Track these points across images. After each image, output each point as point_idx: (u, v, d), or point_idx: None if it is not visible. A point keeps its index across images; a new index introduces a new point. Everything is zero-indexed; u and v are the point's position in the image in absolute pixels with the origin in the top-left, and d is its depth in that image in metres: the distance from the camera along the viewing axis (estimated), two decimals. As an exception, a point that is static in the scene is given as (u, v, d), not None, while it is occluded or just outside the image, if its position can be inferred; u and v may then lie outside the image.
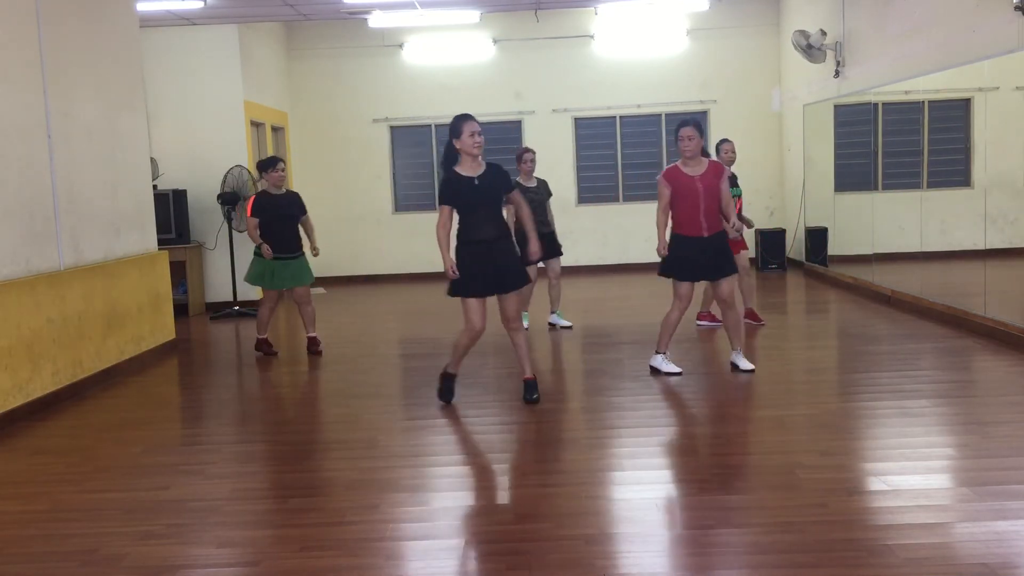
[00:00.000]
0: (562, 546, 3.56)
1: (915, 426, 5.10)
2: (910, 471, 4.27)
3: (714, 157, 8.05)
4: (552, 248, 8.35)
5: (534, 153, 8.41)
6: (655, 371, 6.48)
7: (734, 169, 8.21)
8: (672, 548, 3.56)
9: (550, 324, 8.62)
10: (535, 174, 8.45)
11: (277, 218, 7.52)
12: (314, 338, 7.89)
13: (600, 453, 4.89)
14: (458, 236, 5.69)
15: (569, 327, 8.55)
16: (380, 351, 8.25)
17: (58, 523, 4.10)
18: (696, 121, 6.32)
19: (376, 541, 3.74)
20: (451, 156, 5.66)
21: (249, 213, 7.56)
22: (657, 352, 6.53)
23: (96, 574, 3.51)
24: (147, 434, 5.61)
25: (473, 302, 5.62)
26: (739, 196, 8.06)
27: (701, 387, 6.29)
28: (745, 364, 6.46)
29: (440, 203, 5.64)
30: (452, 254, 5.63)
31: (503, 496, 4.25)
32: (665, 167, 6.47)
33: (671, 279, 6.41)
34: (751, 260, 12.74)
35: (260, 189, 7.82)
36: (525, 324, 8.46)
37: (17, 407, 5.90)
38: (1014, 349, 6.78)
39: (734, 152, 8.14)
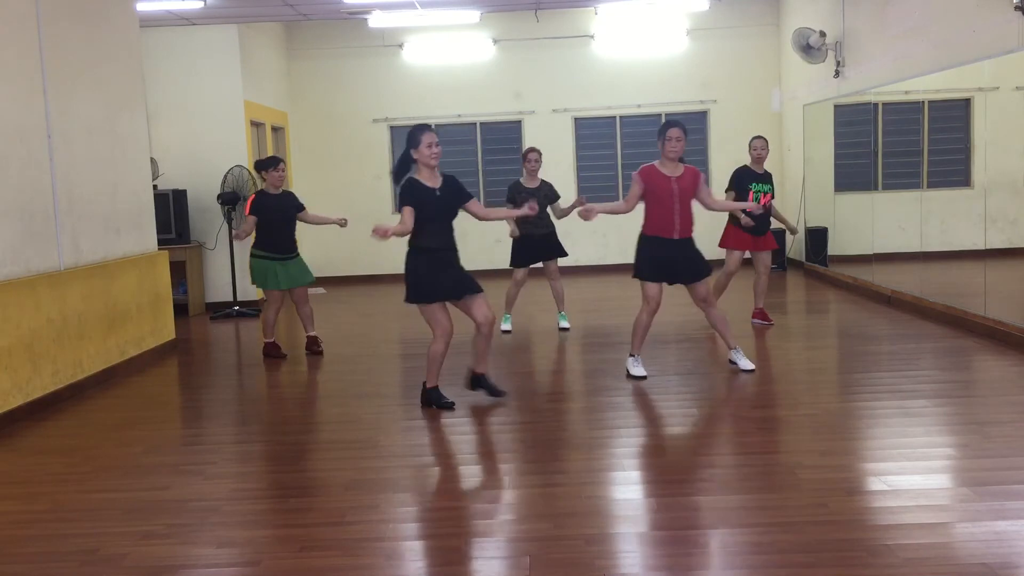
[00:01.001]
0: (562, 546, 3.56)
1: (915, 426, 5.10)
2: (910, 471, 4.27)
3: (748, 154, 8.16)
4: (550, 249, 8.34)
5: (539, 153, 8.30)
6: (628, 374, 6.45)
7: (767, 167, 8.23)
8: (672, 548, 3.56)
9: (558, 326, 8.58)
10: (540, 175, 8.35)
11: (276, 218, 7.53)
12: (314, 337, 7.89)
13: (600, 453, 4.89)
14: (412, 243, 5.66)
15: (567, 329, 8.51)
16: (380, 351, 8.24)
17: (58, 523, 4.10)
18: (683, 124, 6.32)
19: (376, 541, 3.74)
20: (405, 165, 5.66)
21: (248, 211, 7.57)
22: (630, 355, 6.48)
23: (96, 574, 3.51)
24: (147, 434, 5.61)
25: (437, 307, 5.63)
26: (766, 192, 8.02)
27: (701, 387, 6.29)
28: (746, 364, 6.46)
29: (404, 204, 5.56)
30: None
31: (503, 496, 4.25)
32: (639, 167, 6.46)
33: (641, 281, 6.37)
34: (748, 260, 12.80)
35: (259, 188, 7.82)
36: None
37: (17, 407, 5.90)
38: (1014, 349, 6.78)
39: (765, 149, 8.10)
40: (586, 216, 6.14)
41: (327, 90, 13.20)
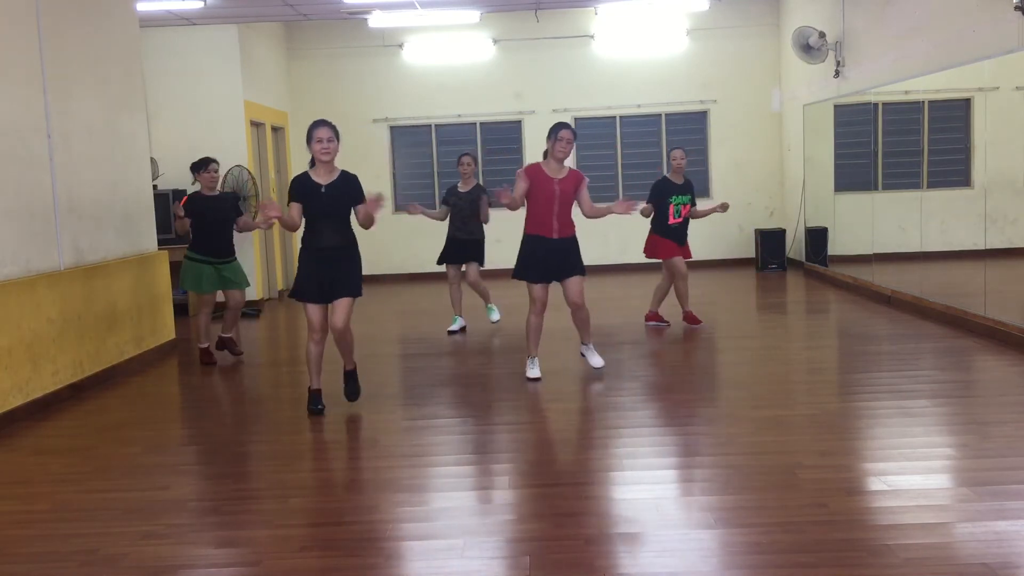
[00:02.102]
0: (562, 546, 3.56)
1: (915, 426, 5.10)
2: (910, 471, 4.27)
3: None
4: (472, 253, 8.46)
5: (470, 157, 8.50)
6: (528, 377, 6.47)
7: (689, 177, 8.26)
8: (672, 548, 3.56)
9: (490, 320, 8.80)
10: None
11: (208, 220, 7.43)
12: (229, 338, 7.79)
13: (600, 453, 4.89)
14: (302, 240, 5.71)
15: (496, 321, 8.70)
16: (380, 351, 8.24)
17: (58, 523, 4.10)
18: (574, 128, 6.38)
19: (376, 541, 3.74)
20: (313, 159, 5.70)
21: (182, 213, 7.44)
22: (528, 356, 6.52)
23: (96, 574, 3.51)
24: (147, 434, 5.61)
25: (310, 306, 5.66)
26: (685, 204, 8.03)
27: (700, 387, 6.29)
28: (596, 361, 6.52)
29: (289, 200, 5.64)
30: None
31: (503, 496, 4.25)
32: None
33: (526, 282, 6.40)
34: (748, 261, 12.79)
35: (194, 190, 7.77)
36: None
37: (17, 407, 5.90)
38: (1014, 349, 6.78)
39: (683, 159, 8.14)
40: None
41: (327, 90, 13.19)
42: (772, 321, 8.56)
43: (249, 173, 10.49)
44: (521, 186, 6.31)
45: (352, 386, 6.00)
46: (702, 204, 8.71)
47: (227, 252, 7.55)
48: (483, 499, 4.26)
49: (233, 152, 10.88)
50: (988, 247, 7.62)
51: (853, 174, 10.62)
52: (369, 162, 13.27)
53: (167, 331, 8.32)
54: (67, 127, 6.82)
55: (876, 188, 9.83)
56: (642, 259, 12.91)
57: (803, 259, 12.27)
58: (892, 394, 5.74)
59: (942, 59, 8.27)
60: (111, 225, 7.46)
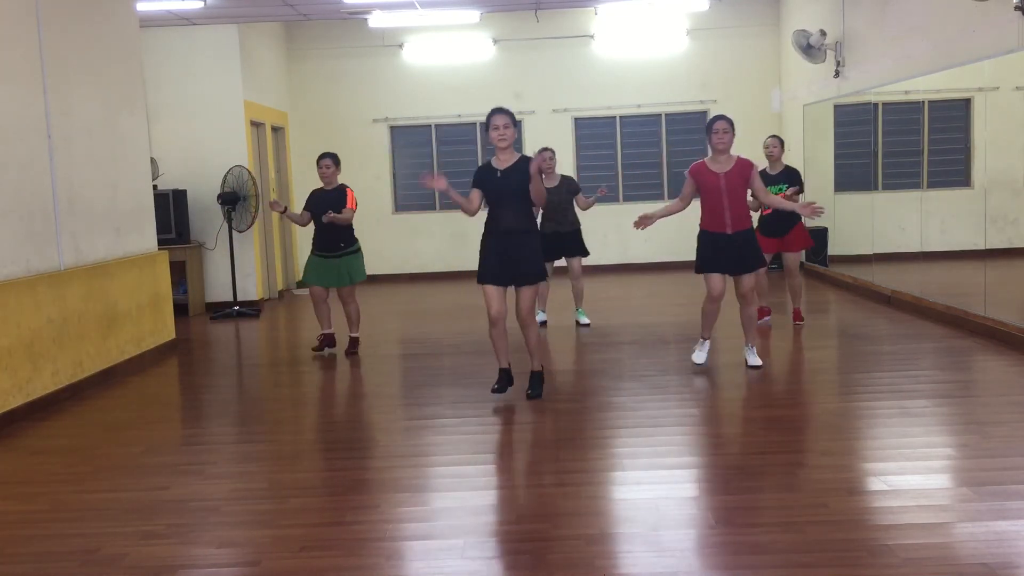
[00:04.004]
0: (562, 546, 3.56)
1: (915, 426, 5.10)
2: (910, 471, 4.27)
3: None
4: (571, 247, 8.54)
5: (552, 152, 8.47)
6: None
7: (787, 163, 8.17)
8: (672, 548, 3.56)
9: (576, 322, 8.79)
10: (559, 171, 8.65)
11: (316, 215, 7.56)
12: (353, 339, 7.83)
13: (600, 453, 4.89)
14: (485, 225, 5.82)
15: (587, 325, 8.67)
16: (380, 351, 8.24)
17: (58, 523, 4.10)
18: (729, 118, 6.30)
19: (376, 541, 3.74)
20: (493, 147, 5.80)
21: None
22: (702, 337, 6.64)
23: (96, 574, 3.51)
24: (147, 434, 5.61)
25: (490, 289, 5.74)
26: (778, 193, 7.97)
27: (701, 387, 6.29)
28: (753, 360, 6.52)
29: (472, 187, 5.81)
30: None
31: (503, 496, 4.25)
32: (690, 164, 6.54)
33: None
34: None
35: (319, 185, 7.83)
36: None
37: (17, 407, 5.90)
38: (1014, 349, 6.78)
39: (774, 147, 8.08)
40: (641, 225, 6.27)
41: (327, 90, 13.19)
42: (772, 321, 8.54)
43: (249, 173, 10.49)
44: (687, 191, 6.39)
45: (535, 387, 5.94)
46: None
47: (329, 247, 7.58)
48: (483, 499, 4.26)
49: (233, 152, 10.89)
50: (988, 247, 7.63)
51: (853, 174, 10.62)
52: (369, 162, 13.28)
53: (167, 331, 8.32)
54: (67, 127, 6.82)
55: (876, 188, 9.83)
56: (642, 259, 13.01)
57: (803, 259, 12.27)
58: (892, 394, 5.74)
59: (942, 59, 8.27)
60: (111, 225, 7.46)
